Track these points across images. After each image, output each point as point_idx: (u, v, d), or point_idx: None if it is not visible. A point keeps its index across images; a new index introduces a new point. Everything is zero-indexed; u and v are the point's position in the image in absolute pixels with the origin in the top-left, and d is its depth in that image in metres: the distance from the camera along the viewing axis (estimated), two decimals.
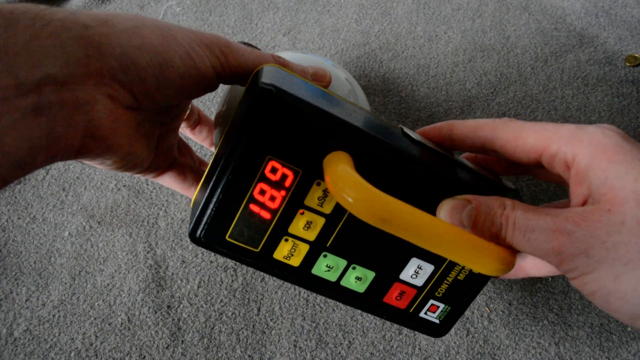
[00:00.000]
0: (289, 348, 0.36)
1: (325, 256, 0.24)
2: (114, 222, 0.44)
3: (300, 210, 0.23)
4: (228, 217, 0.22)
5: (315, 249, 0.24)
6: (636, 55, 0.48)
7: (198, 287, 0.40)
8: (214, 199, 0.22)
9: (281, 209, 0.23)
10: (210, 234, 0.23)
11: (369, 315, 0.36)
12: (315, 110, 0.21)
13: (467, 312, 0.36)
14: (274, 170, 0.21)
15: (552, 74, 0.49)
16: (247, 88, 0.22)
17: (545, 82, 0.48)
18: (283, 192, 0.22)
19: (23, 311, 0.40)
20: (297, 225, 0.23)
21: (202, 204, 0.22)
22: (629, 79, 0.47)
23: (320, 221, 0.23)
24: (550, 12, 0.54)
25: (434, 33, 0.54)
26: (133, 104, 0.22)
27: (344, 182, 0.19)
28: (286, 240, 0.23)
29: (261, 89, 0.20)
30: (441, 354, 0.34)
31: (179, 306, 0.39)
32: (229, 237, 0.23)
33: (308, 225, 0.23)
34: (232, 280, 0.40)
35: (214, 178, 0.22)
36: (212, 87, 0.24)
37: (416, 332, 0.35)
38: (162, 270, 0.41)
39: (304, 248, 0.24)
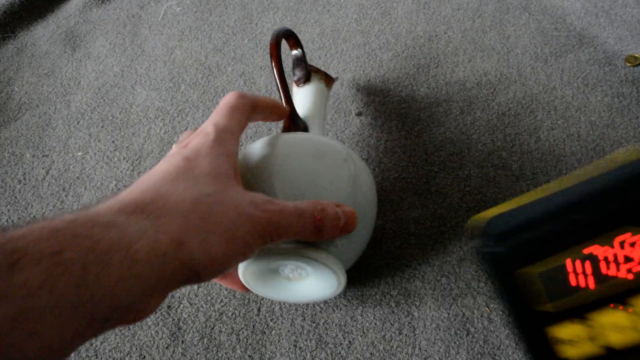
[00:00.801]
0: (289, 348, 0.36)
1: None
2: None
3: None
4: None
5: None
6: (636, 55, 0.48)
7: (198, 287, 0.40)
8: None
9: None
10: None
11: (369, 315, 0.36)
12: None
13: (467, 312, 0.36)
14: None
15: (552, 74, 0.49)
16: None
17: (545, 82, 0.48)
18: None
19: None
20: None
21: None
22: (629, 79, 0.47)
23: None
24: (550, 12, 0.54)
25: (434, 33, 0.54)
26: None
27: None
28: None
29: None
30: (441, 354, 0.34)
31: (179, 306, 0.39)
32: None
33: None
34: None
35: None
36: None
37: (416, 332, 0.35)
38: None
39: None
